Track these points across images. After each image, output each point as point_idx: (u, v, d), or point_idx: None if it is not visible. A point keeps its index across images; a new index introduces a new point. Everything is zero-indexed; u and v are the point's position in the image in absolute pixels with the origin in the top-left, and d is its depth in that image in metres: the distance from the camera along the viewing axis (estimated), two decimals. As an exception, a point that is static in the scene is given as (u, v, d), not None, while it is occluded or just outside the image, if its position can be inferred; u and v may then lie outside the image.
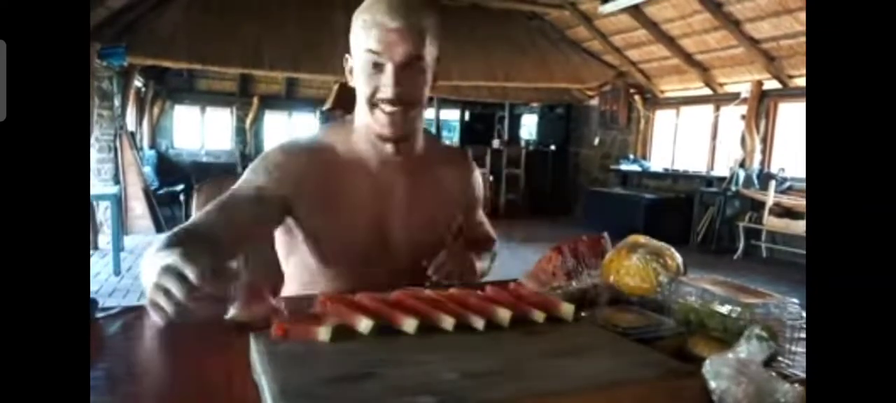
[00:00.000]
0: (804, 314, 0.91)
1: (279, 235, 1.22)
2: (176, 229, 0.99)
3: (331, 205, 1.15)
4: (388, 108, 1.10)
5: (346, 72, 1.17)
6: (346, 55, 1.16)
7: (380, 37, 1.06)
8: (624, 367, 0.65)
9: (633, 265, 0.96)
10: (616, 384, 0.61)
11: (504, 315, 0.76)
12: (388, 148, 1.16)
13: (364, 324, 0.71)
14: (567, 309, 0.81)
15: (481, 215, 1.44)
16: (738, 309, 0.78)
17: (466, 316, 0.74)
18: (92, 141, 5.97)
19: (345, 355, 0.65)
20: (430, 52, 1.10)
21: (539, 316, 0.78)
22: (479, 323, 0.74)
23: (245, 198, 1.10)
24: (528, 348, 0.70)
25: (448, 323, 0.73)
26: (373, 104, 1.10)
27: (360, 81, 1.11)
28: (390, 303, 0.76)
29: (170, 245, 0.88)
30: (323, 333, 0.68)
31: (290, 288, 1.21)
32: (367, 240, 1.16)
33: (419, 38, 1.08)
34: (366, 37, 1.08)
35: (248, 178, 1.13)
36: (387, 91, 1.08)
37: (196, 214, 1.09)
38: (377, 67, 1.08)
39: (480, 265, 1.30)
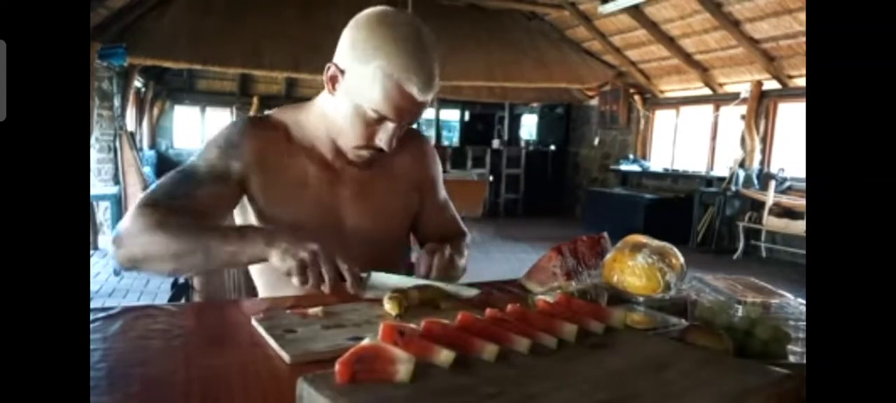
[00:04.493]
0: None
1: (235, 216, 1.19)
2: (153, 201, 1.00)
3: (283, 186, 1.12)
4: (376, 153, 1.10)
5: (324, 79, 1.08)
6: (333, 65, 1.06)
7: (400, 106, 1.01)
8: (730, 378, 0.63)
9: (638, 265, 0.96)
10: (744, 396, 0.60)
11: (570, 330, 0.73)
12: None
13: (444, 356, 0.63)
14: (619, 316, 0.79)
15: (444, 197, 1.33)
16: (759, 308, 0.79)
17: (538, 336, 0.70)
18: (92, 141, 5.97)
19: (447, 395, 0.57)
20: None
21: (598, 326, 0.77)
22: (551, 342, 0.70)
23: (205, 174, 1.07)
24: (617, 365, 0.67)
25: (524, 345, 0.68)
26: (359, 147, 1.09)
27: (348, 117, 1.06)
28: (460, 329, 0.70)
29: (168, 221, 0.96)
30: (402, 372, 0.59)
31: (268, 288, 1.19)
32: (318, 226, 1.11)
33: (428, 104, 1.06)
34: (379, 91, 1.00)
35: (206, 156, 1.10)
36: (383, 143, 1.06)
37: (155, 189, 1.04)
38: (380, 120, 1.04)
39: (461, 262, 1.19)
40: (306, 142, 1.15)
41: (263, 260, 0.95)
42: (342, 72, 1.05)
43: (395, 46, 0.99)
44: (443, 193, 1.33)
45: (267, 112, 1.21)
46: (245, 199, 1.14)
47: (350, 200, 1.16)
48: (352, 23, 1.06)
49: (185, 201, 1.02)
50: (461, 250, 1.20)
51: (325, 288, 0.91)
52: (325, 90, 1.11)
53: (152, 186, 1.06)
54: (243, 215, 1.17)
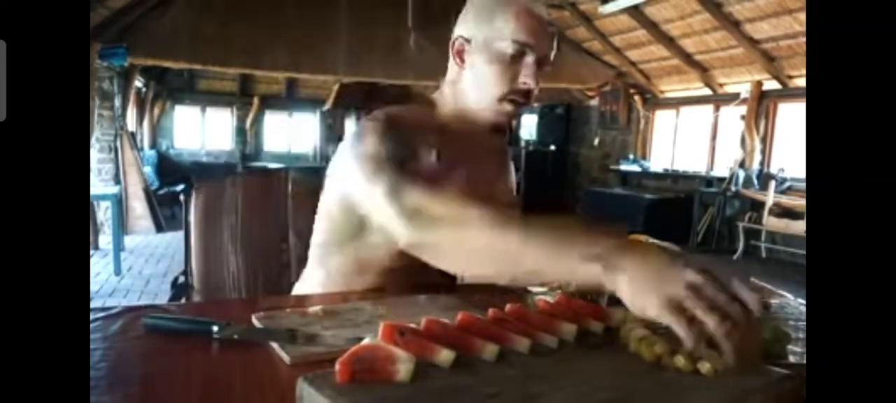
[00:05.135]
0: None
1: (340, 215, 1.07)
2: (406, 199, 0.89)
3: (454, 161, 1.07)
4: (521, 101, 1.08)
5: (451, 55, 1.10)
6: (458, 38, 1.09)
7: (531, 26, 1.04)
8: (730, 378, 0.63)
9: None
10: (743, 396, 0.60)
11: (570, 330, 0.73)
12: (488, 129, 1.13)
13: (444, 356, 0.62)
14: (619, 316, 0.79)
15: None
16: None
17: (538, 335, 0.70)
18: (92, 141, 5.97)
19: (447, 395, 0.57)
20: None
21: (598, 326, 0.77)
22: (551, 342, 0.70)
23: (399, 169, 0.96)
24: (617, 365, 0.66)
25: (524, 345, 0.68)
26: (504, 95, 1.07)
27: (490, 71, 1.06)
28: (460, 329, 0.69)
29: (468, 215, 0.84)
30: (403, 372, 0.58)
31: (336, 283, 1.10)
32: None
33: (554, 36, 1.08)
34: (508, 22, 1.04)
35: (387, 149, 0.98)
36: (529, 81, 1.05)
37: (392, 178, 0.92)
38: (517, 58, 1.05)
39: None
40: (458, 125, 1.12)
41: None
42: (467, 40, 1.08)
43: None
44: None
45: (377, 112, 1.08)
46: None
47: (493, 175, 1.22)
48: (468, 4, 1.11)
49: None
50: None
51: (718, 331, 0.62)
52: (438, 90, 1.15)
53: (384, 177, 0.94)
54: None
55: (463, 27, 1.10)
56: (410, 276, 1.02)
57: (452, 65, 1.12)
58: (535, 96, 1.10)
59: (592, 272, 0.71)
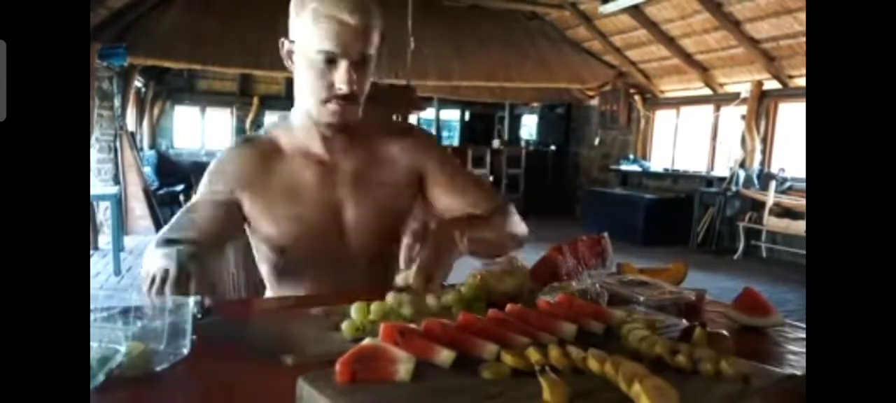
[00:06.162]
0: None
1: (250, 236, 1.23)
2: (167, 235, 1.05)
3: (275, 197, 1.15)
4: (347, 104, 1.09)
5: (282, 56, 1.14)
6: (283, 39, 1.13)
7: (336, 33, 1.04)
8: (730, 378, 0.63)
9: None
10: (744, 396, 0.60)
11: (570, 330, 0.73)
12: (331, 134, 1.16)
13: (444, 356, 0.62)
14: (619, 316, 0.79)
15: (454, 172, 1.27)
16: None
17: (538, 335, 0.71)
18: (92, 141, 5.97)
19: (447, 395, 0.57)
20: (376, 46, 1.10)
21: (598, 326, 0.77)
22: (552, 342, 0.70)
23: (202, 204, 1.14)
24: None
25: (524, 345, 0.68)
26: (325, 100, 1.09)
27: (308, 75, 1.09)
28: (460, 329, 0.70)
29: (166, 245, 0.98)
30: (403, 372, 0.59)
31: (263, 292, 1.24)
32: (322, 225, 1.15)
33: (371, 34, 1.07)
34: (317, 31, 1.05)
35: (202, 191, 1.16)
36: (342, 87, 1.07)
37: (169, 224, 1.11)
38: (330, 63, 1.06)
39: (486, 234, 1.17)
40: (298, 145, 1.17)
41: None
42: (292, 42, 1.11)
43: None
44: (451, 169, 1.27)
45: (257, 132, 1.27)
46: (247, 221, 1.18)
47: (348, 195, 1.17)
48: (292, 2, 1.12)
49: (190, 231, 1.07)
50: (474, 225, 1.16)
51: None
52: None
53: (164, 227, 1.11)
54: (251, 236, 1.22)
55: (290, 28, 1.12)
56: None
57: (286, 62, 1.15)
58: (364, 93, 1.11)
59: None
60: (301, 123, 1.17)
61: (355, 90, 1.08)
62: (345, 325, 0.80)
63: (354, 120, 1.12)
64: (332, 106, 1.09)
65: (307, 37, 1.07)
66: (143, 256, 1.02)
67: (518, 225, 1.26)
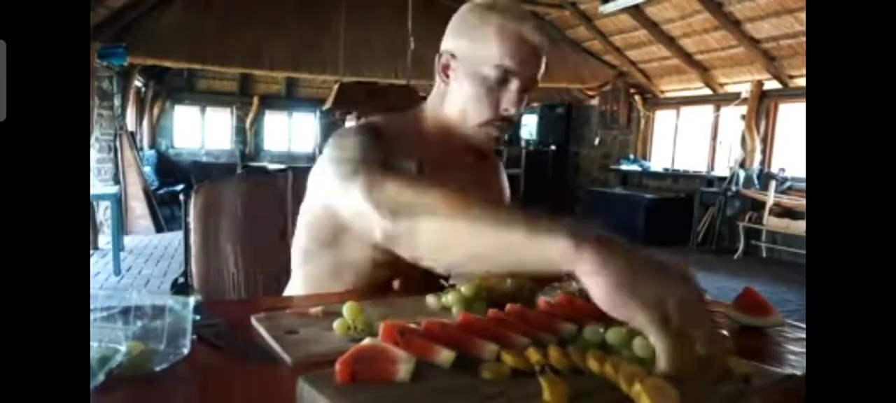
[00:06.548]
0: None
1: (320, 220, 1.07)
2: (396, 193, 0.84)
3: (432, 174, 1.06)
4: (505, 125, 1.06)
5: (436, 71, 1.09)
6: (443, 53, 1.07)
7: (518, 51, 1.01)
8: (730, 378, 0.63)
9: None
10: (744, 396, 0.60)
11: (570, 330, 0.73)
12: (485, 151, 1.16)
13: (444, 356, 0.62)
14: None
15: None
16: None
17: (538, 335, 0.71)
18: (92, 141, 5.97)
19: (447, 395, 0.56)
20: (542, 73, 1.07)
21: (598, 326, 0.77)
22: (552, 342, 0.69)
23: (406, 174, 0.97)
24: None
25: (524, 345, 0.67)
26: (487, 120, 1.05)
27: (473, 92, 1.04)
28: (460, 329, 0.69)
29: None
30: (403, 372, 0.58)
31: (311, 288, 1.11)
32: None
33: (542, 59, 1.05)
34: (500, 46, 1.00)
35: (355, 154, 0.96)
36: (511, 109, 1.03)
37: (422, 192, 0.85)
38: (501, 83, 1.03)
39: None
40: (411, 149, 1.08)
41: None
42: (453, 56, 1.06)
43: (500, 6, 1.03)
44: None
45: (362, 120, 1.14)
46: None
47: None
48: (455, 17, 1.08)
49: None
50: None
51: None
52: (423, 104, 1.13)
53: (360, 176, 0.90)
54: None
55: (450, 41, 1.07)
56: (385, 285, 1.04)
57: (438, 78, 1.09)
58: (517, 118, 1.08)
59: (559, 252, 0.64)
60: (421, 133, 1.11)
61: (517, 114, 1.06)
62: (336, 324, 0.79)
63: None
64: (492, 128, 1.06)
65: (486, 51, 1.02)
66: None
67: None
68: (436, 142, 1.10)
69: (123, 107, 7.13)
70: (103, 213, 5.91)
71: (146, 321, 0.72)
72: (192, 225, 1.35)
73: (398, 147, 1.02)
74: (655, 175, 8.41)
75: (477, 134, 1.07)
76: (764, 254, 6.60)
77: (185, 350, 0.70)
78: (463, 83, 1.05)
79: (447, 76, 1.07)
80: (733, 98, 7.15)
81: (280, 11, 6.96)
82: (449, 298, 0.89)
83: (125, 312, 0.73)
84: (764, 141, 6.98)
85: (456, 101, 1.07)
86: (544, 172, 9.88)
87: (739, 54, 6.72)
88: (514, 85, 1.03)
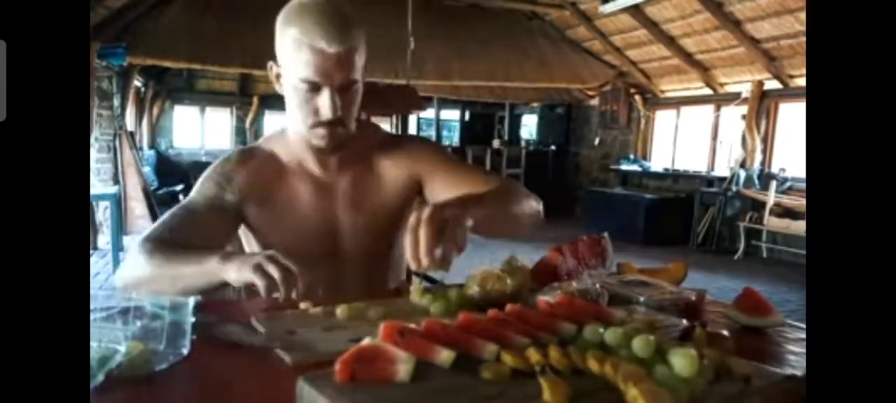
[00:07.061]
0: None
1: (244, 246, 1.24)
2: (154, 235, 1.04)
3: (278, 211, 1.16)
4: (335, 130, 1.09)
5: (271, 78, 1.14)
6: (271, 63, 1.12)
7: (316, 63, 1.02)
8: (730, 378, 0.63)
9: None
10: (744, 396, 0.60)
11: (570, 330, 0.73)
12: (327, 154, 1.16)
13: (444, 356, 0.62)
14: (619, 316, 0.79)
15: (465, 171, 1.22)
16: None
17: (538, 335, 0.71)
18: (92, 141, 5.97)
19: (447, 395, 0.56)
20: (361, 68, 1.08)
21: (598, 326, 0.77)
22: (552, 342, 0.69)
23: (202, 209, 1.12)
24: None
25: (524, 345, 0.67)
26: (312, 125, 1.09)
27: (293, 101, 1.09)
28: (460, 329, 0.69)
29: (158, 250, 0.99)
30: (403, 372, 0.59)
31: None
32: (316, 242, 1.16)
33: (355, 60, 1.05)
34: (297, 59, 1.03)
35: (201, 190, 1.14)
36: (326, 113, 1.06)
37: (157, 224, 1.08)
38: (314, 90, 1.06)
39: (490, 210, 1.01)
40: (294, 162, 1.18)
41: (224, 279, 0.95)
42: (279, 65, 1.10)
43: (301, 11, 1.04)
44: (451, 165, 1.23)
45: (254, 143, 1.27)
46: (246, 229, 1.19)
47: (344, 211, 1.18)
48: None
49: (183, 233, 1.06)
50: (470, 205, 0.96)
51: (282, 289, 0.88)
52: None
53: (154, 224, 1.09)
54: (248, 244, 1.23)
55: (276, 50, 1.09)
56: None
57: (275, 85, 1.14)
58: (352, 115, 1.11)
59: (212, 264, 0.94)
60: (296, 140, 1.17)
61: (341, 115, 1.07)
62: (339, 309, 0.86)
63: (344, 141, 1.13)
64: (320, 131, 1.10)
65: (289, 64, 1.05)
66: (127, 257, 1.02)
67: (526, 201, 1.15)
68: (309, 160, 1.17)
69: (123, 106, 7.12)
70: (103, 213, 5.90)
71: (146, 321, 0.72)
72: (191, 225, 1.35)
73: (255, 179, 1.16)
74: (655, 175, 8.41)
75: (310, 136, 1.11)
76: (764, 255, 6.60)
77: (185, 351, 0.70)
78: (288, 92, 1.10)
79: (279, 83, 1.12)
80: (733, 98, 7.15)
81: (280, 11, 6.95)
82: (428, 300, 0.92)
83: (125, 312, 0.73)
84: (764, 141, 6.98)
85: (290, 108, 1.12)
86: (544, 172, 9.87)
87: (740, 54, 6.72)
88: (325, 92, 1.05)
